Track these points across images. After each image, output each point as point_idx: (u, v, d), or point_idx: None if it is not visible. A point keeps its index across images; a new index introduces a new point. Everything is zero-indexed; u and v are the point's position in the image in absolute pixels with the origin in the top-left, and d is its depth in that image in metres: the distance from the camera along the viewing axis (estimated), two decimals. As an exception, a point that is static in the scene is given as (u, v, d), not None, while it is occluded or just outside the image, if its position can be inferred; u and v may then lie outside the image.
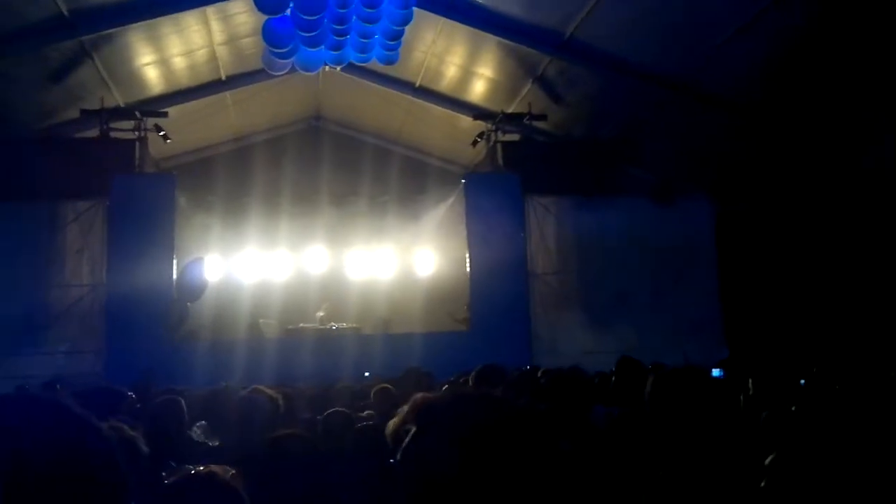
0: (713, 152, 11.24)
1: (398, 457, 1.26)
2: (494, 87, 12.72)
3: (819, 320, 9.67)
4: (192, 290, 11.46)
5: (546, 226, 12.09)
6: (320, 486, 2.78)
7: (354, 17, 10.33)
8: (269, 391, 4.19)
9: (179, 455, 3.03)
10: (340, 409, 4.38)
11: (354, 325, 12.48)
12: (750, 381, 5.02)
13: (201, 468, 2.24)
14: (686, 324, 10.73)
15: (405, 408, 2.35)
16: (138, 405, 4.23)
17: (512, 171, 12.28)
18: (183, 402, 3.94)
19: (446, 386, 5.52)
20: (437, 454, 1.19)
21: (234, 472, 2.24)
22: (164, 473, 2.32)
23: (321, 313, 12.33)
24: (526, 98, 12.23)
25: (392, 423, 2.48)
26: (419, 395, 1.37)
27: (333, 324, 12.28)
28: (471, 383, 5.54)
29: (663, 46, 9.90)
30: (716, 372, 6.68)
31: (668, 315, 10.90)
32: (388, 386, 5.34)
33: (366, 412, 4.92)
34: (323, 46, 10.98)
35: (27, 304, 9.74)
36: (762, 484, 1.59)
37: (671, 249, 11.45)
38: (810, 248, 10.35)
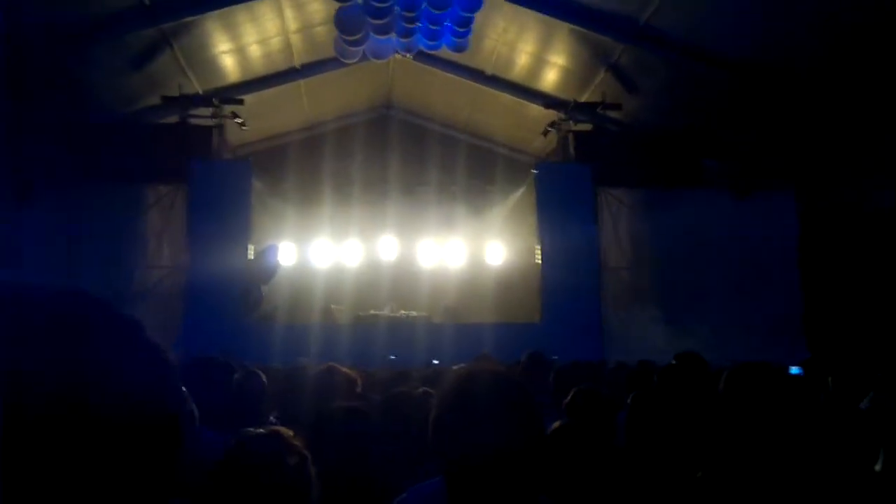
0: (796, 142, 10.85)
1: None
2: (566, 76, 12.55)
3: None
4: (265, 274, 11.68)
5: (619, 218, 11.90)
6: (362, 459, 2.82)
7: (424, 5, 10.34)
8: (346, 369, 4.22)
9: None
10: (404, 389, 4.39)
11: (424, 313, 12.54)
12: (830, 379, 4.88)
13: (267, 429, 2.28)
14: (765, 323, 10.39)
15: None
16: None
17: (584, 161, 12.10)
18: (263, 375, 4.03)
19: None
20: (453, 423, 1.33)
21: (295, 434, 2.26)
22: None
23: (386, 311, 12.42)
24: (599, 87, 12.03)
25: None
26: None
27: (404, 311, 12.37)
28: (521, 368, 5.53)
29: (742, 32, 9.59)
30: (794, 370, 6.47)
31: (746, 314, 10.57)
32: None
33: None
34: (393, 34, 11.06)
35: (112, 285, 10.06)
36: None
37: (750, 245, 11.09)
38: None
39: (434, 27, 11.06)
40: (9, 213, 10.29)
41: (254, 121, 12.59)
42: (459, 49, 11.50)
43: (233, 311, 10.57)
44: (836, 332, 9.96)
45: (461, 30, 11.05)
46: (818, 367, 6.59)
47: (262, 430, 2.22)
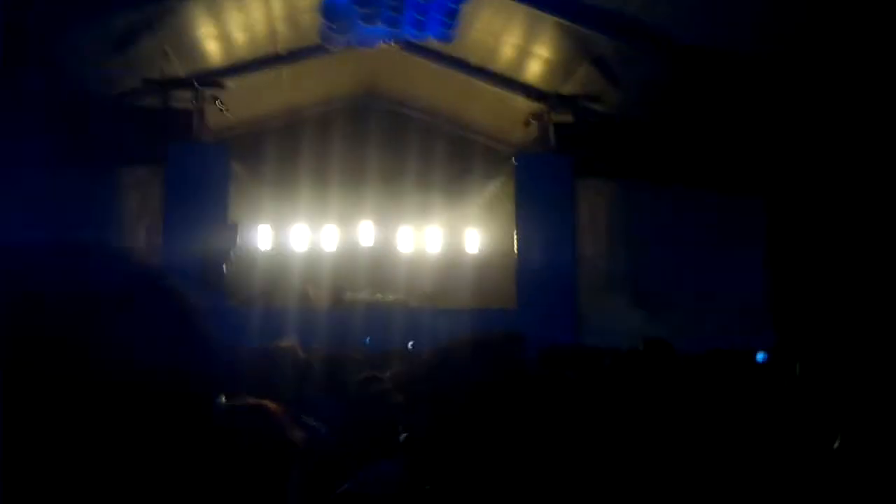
0: (768, 137, 11.00)
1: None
2: (550, 68, 12.61)
3: (877, 307, 9.44)
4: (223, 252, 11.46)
5: (597, 208, 12.04)
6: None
7: (412, -7, 10.37)
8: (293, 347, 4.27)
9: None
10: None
11: (401, 298, 12.62)
12: (797, 364, 4.97)
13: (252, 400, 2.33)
14: (736, 309, 10.63)
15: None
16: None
17: (564, 151, 12.22)
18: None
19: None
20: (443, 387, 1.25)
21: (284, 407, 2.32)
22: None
23: (364, 295, 12.46)
24: (582, 79, 12.11)
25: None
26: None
27: (380, 295, 12.44)
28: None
29: (725, 29, 9.69)
30: (760, 356, 6.58)
31: (718, 301, 10.78)
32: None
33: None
34: (380, 23, 11.06)
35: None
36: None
37: (722, 236, 11.30)
38: (865, 234, 10.09)
39: (421, 17, 11.09)
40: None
41: (235, 105, 12.56)
42: (446, 39, 11.52)
43: (210, 295, 10.56)
44: (804, 319, 10.17)
45: (448, 20, 11.09)
46: (785, 352, 6.71)
47: (241, 402, 2.28)
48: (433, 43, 11.86)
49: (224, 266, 10.58)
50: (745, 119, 10.93)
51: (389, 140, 14.35)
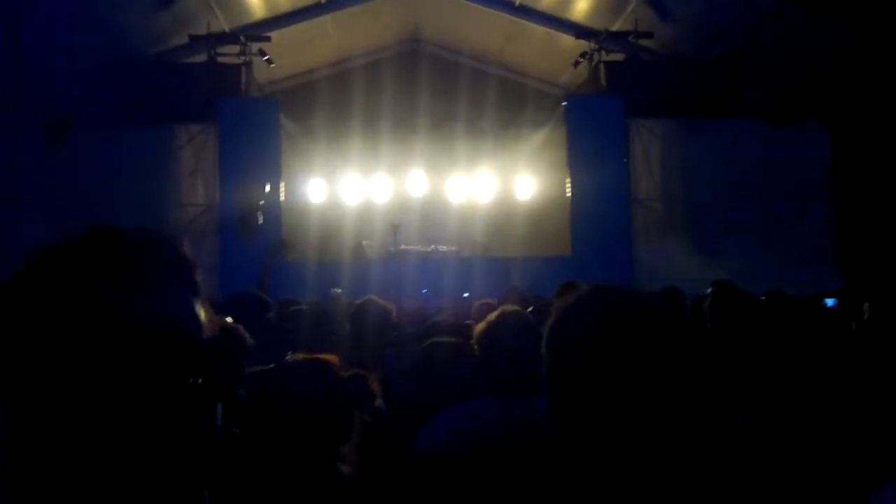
0: (832, 70, 10.48)
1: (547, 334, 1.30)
2: (598, 4, 12.18)
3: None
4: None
5: (651, 149, 11.74)
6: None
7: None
8: (382, 302, 4.33)
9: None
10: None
11: (454, 248, 12.63)
12: (865, 306, 4.83)
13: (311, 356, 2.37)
14: (798, 253, 10.31)
15: (492, 314, 2.60)
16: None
17: (615, 92, 11.89)
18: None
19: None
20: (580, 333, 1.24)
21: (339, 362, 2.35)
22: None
23: (417, 247, 12.48)
24: (632, 15, 11.69)
25: (479, 326, 2.61)
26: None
27: (434, 246, 12.47)
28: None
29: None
30: (829, 301, 6.43)
31: (779, 244, 10.48)
32: (490, 301, 5.40)
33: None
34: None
35: (151, 221, 10.24)
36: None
37: (784, 175, 10.91)
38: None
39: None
40: (39, 158, 10.50)
41: (282, 58, 12.51)
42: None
43: (265, 249, 10.72)
44: (870, 260, 9.83)
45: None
46: (853, 296, 6.52)
47: (304, 357, 2.31)
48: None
49: (257, 218, 10.71)
50: (803, 46, 10.41)
51: (438, 86, 14.15)
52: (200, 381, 0.72)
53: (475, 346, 2.59)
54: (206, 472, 0.75)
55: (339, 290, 7.93)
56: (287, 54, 12.80)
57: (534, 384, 2.44)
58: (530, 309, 5.55)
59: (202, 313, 0.77)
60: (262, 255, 10.26)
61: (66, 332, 0.68)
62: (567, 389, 1.26)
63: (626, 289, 1.37)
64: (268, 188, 11.04)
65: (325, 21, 13.04)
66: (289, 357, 2.46)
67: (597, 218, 11.03)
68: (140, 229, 0.78)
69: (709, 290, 5.05)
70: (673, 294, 5.39)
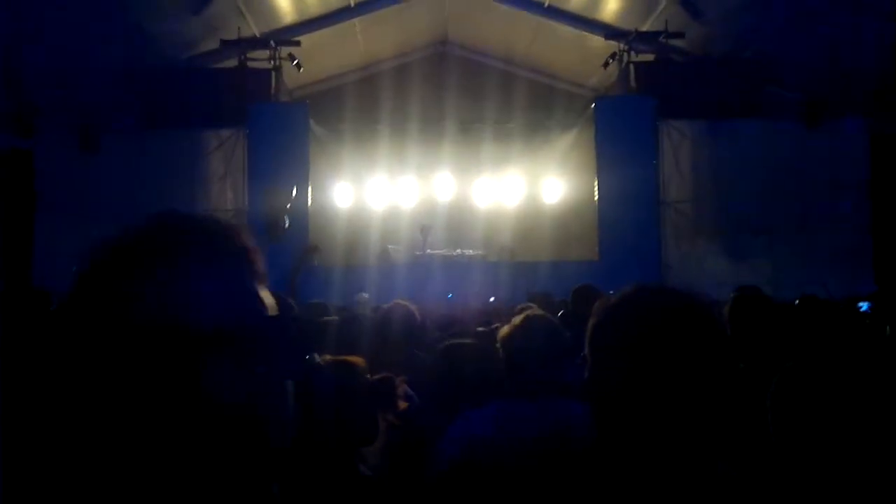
0: (867, 68, 10.26)
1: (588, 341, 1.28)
2: (628, 4, 12.09)
3: None
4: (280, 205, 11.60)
5: (681, 151, 11.58)
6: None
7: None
8: (408, 305, 4.33)
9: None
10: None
11: (481, 252, 12.58)
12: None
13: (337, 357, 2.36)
14: (832, 255, 10.09)
15: (516, 318, 2.61)
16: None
17: (646, 93, 11.76)
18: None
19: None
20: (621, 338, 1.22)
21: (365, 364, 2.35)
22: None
23: (443, 251, 12.46)
24: (662, 14, 11.56)
25: (503, 330, 2.62)
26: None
27: (460, 250, 12.43)
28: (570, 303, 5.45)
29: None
30: (863, 306, 6.31)
31: (812, 246, 10.27)
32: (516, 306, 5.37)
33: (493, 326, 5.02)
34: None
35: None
36: None
37: (819, 176, 10.70)
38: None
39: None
40: (74, 163, 10.69)
41: (311, 62, 12.60)
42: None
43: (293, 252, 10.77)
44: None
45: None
46: (887, 299, 6.38)
47: (331, 359, 2.32)
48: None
49: (283, 222, 10.78)
50: (837, 44, 10.20)
51: (466, 88, 14.15)
52: (265, 367, 0.73)
53: (500, 349, 2.58)
54: (279, 461, 0.76)
55: (367, 295, 7.95)
56: (316, 58, 12.89)
57: (557, 387, 2.43)
58: (560, 314, 5.52)
59: (266, 297, 0.78)
60: (289, 258, 10.30)
61: (130, 322, 0.69)
62: (612, 391, 1.23)
63: (668, 288, 1.34)
64: (294, 192, 11.11)
65: (354, 25, 13.11)
66: (315, 359, 2.46)
67: (625, 221, 10.90)
68: (202, 216, 0.81)
69: (731, 296, 4.96)
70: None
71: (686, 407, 1.17)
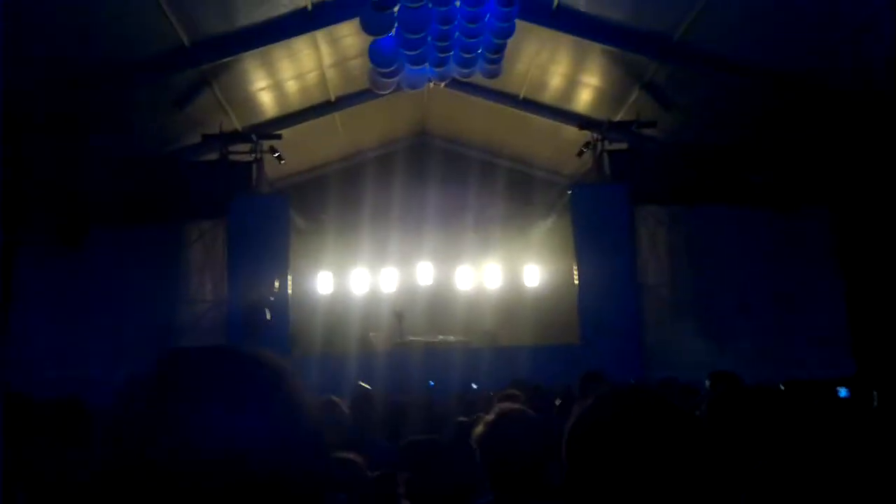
0: (834, 154, 10.61)
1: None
2: (600, 96, 12.52)
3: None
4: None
5: (657, 235, 11.77)
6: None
7: (457, 34, 10.46)
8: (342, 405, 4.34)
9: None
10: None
11: (462, 338, 12.54)
12: (875, 393, 4.73)
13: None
14: (810, 335, 10.16)
15: (489, 416, 2.48)
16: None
17: (620, 180, 12.03)
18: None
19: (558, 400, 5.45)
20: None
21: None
22: None
23: (425, 338, 12.43)
24: (634, 105, 11.97)
25: (477, 428, 2.49)
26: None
27: (442, 336, 12.38)
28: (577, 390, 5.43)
29: (777, 45, 9.45)
30: (843, 392, 6.30)
31: (790, 328, 10.34)
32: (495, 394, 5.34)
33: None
34: (427, 64, 11.19)
35: (160, 319, 10.34)
36: None
37: (793, 258, 10.88)
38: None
39: (467, 55, 11.18)
40: (57, 259, 10.69)
41: (292, 154, 12.84)
42: (492, 75, 11.59)
43: (274, 343, 10.69)
44: (882, 344, 9.65)
45: (494, 56, 11.14)
46: (864, 383, 6.38)
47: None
48: (481, 79, 11.93)
49: (264, 315, 10.74)
50: (803, 133, 10.57)
51: (447, 178, 14.44)
52: None
53: (475, 447, 2.44)
54: None
55: (367, 386, 7.88)
56: (298, 150, 13.15)
57: (540, 490, 2.33)
58: (559, 403, 5.45)
59: (280, 429, 0.74)
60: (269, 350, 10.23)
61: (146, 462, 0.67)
62: (589, 496, 1.22)
63: (644, 389, 1.36)
64: (277, 285, 11.13)
65: (335, 118, 13.45)
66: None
67: (605, 305, 10.96)
68: (216, 349, 0.78)
69: (707, 384, 4.94)
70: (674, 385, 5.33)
71: None
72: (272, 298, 10.45)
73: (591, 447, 1.25)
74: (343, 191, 13.95)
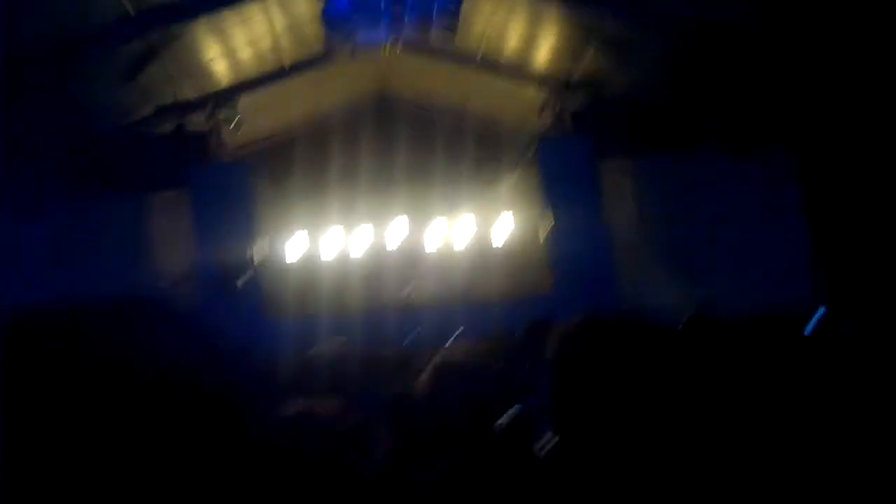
0: (793, 96, 10.79)
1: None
2: (557, 55, 12.51)
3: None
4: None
5: (623, 186, 11.93)
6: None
7: (411, -8, 10.39)
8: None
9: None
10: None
11: (434, 294, 12.56)
12: (846, 327, 4.80)
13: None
14: (781, 273, 10.43)
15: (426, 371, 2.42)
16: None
17: (582, 135, 12.14)
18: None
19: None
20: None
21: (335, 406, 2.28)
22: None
23: (400, 296, 12.44)
24: (592, 61, 11.98)
25: (420, 381, 2.44)
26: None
27: (413, 294, 12.39)
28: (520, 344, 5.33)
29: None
30: (813, 325, 6.43)
31: (760, 267, 10.63)
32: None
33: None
34: (381, 26, 11.12)
35: (129, 292, 10.12)
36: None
37: (756, 200, 11.13)
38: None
39: (422, 14, 11.14)
40: (11, 234, 10.38)
41: (252, 121, 12.63)
42: (447, 37, 11.59)
43: (247, 309, 10.60)
44: (851, 276, 9.95)
45: (450, 13, 11.12)
46: (836, 315, 6.51)
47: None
48: (437, 41, 11.87)
49: (240, 279, 10.65)
50: (760, 84, 10.74)
51: (412, 138, 14.34)
52: None
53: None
54: None
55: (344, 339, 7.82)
56: (257, 117, 12.93)
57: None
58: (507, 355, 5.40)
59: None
60: (241, 318, 10.13)
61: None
62: (573, 420, 1.24)
63: (620, 314, 1.38)
64: (247, 252, 11.02)
65: (292, 83, 13.22)
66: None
67: (575, 254, 11.09)
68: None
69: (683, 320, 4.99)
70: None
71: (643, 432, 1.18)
72: (243, 265, 10.34)
73: (569, 374, 1.26)
74: (307, 155, 13.76)
